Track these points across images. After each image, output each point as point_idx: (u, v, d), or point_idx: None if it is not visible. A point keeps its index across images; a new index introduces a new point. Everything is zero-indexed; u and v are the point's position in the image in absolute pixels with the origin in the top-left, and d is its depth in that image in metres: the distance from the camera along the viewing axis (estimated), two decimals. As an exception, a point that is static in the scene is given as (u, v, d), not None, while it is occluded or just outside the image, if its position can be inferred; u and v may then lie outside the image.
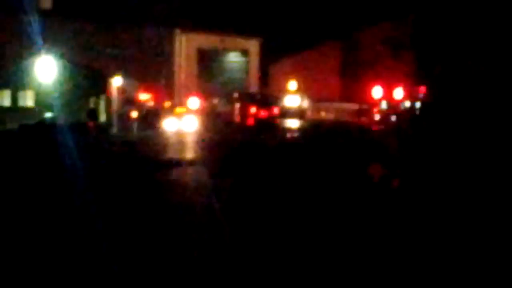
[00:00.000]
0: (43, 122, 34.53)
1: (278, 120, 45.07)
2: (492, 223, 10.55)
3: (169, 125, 40.87)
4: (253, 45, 60.93)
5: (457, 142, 25.47)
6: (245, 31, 58.59)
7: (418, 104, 40.97)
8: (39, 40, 37.10)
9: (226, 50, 60.38)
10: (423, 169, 17.86)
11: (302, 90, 49.33)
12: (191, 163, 20.46)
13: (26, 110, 42.12)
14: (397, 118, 41.76)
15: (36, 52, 37.49)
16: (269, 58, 61.86)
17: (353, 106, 50.00)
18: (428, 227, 10.20)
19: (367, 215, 11.25)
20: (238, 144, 28.66)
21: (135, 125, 40.16)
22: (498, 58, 32.90)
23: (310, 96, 49.73)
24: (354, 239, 9.44)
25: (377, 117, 44.67)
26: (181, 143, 30.13)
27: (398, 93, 42.75)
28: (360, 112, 47.75)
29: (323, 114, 51.75)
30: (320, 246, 9.02)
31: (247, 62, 61.18)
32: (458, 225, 10.34)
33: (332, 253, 8.64)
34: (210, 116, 46.51)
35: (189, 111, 44.24)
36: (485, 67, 33.38)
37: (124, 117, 41.71)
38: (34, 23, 38.03)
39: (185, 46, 58.31)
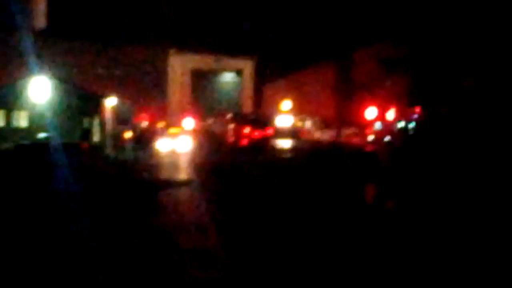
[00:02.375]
0: (38, 142, 34.47)
1: (272, 141, 45.00)
2: (487, 240, 10.53)
3: (163, 145, 40.79)
4: (247, 66, 61.06)
5: (452, 162, 25.46)
6: (239, 52, 58.75)
7: (412, 125, 40.95)
8: (33, 60, 37.15)
9: (220, 70, 60.49)
10: (417, 189, 17.82)
11: (306, 111, 49.29)
12: (186, 183, 20.41)
13: (20, 130, 42.09)
14: (391, 138, 41.71)
15: (30, 72, 37.53)
16: (263, 78, 61.92)
17: (349, 130, 49.94)
18: (423, 246, 10.17)
19: (362, 235, 11.22)
20: (231, 164, 28.61)
21: (129, 146, 40.06)
22: (494, 77, 33.00)
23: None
24: (350, 258, 9.40)
25: (371, 137, 44.62)
26: (175, 163, 30.05)
27: (392, 113, 42.71)
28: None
29: (317, 134, 51.73)
30: (315, 266, 8.97)
31: (241, 82, 61.26)
32: (453, 244, 10.31)
33: (329, 271, 8.60)
34: (204, 137, 46.45)
35: (183, 132, 44.22)
36: (481, 86, 33.47)
37: (118, 137, 41.63)
38: (29, 43, 38.08)
39: (179, 66, 58.40)
